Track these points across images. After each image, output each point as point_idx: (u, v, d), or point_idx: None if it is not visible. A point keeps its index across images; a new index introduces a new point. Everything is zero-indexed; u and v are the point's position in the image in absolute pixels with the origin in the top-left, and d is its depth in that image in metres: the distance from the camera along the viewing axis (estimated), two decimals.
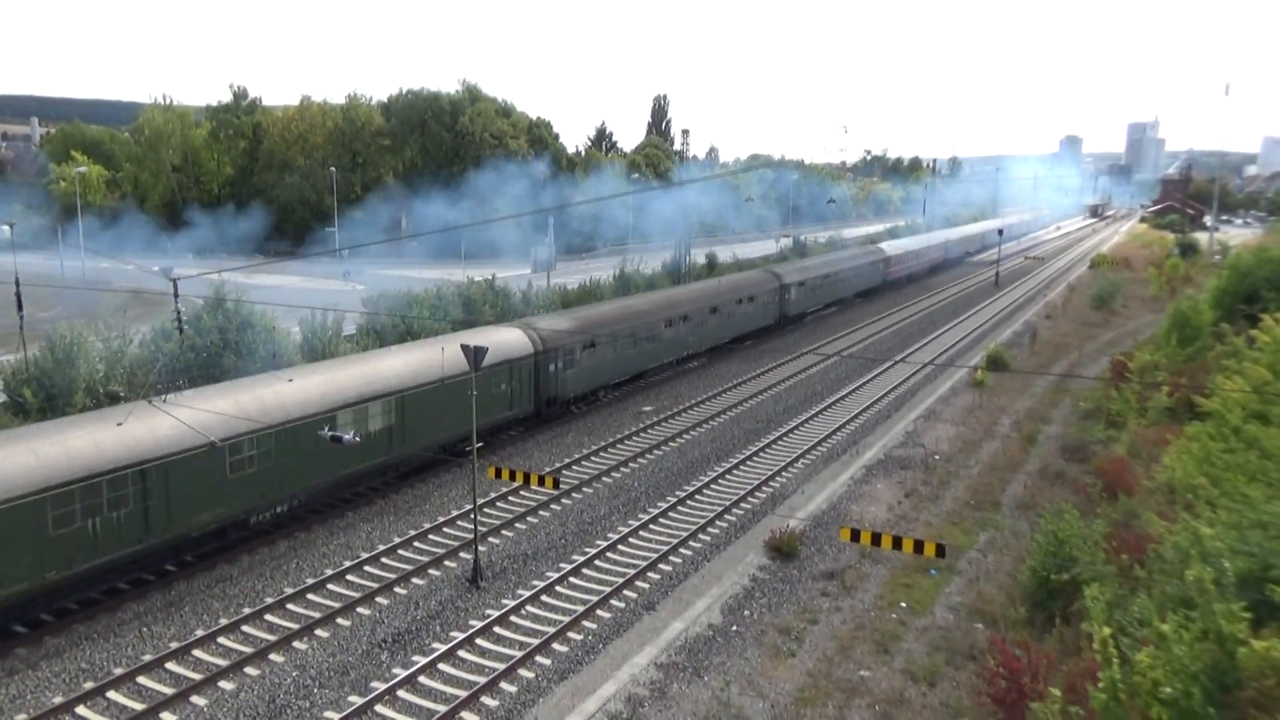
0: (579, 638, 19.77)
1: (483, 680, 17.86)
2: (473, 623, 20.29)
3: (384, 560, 23.37)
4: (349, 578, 22.34)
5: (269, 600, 20.95)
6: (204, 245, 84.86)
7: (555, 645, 19.41)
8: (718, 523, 26.20)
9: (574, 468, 30.65)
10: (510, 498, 27.78)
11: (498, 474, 23.06)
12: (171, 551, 21.88)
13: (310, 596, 21.32)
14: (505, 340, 32.60)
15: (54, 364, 29.70)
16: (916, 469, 30.86)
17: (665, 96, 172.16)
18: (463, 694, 17.45)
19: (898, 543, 18.14)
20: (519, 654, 18.81)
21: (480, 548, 23.13)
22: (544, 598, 21.53)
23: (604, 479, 29.74)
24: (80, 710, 16.76)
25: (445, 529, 25.42)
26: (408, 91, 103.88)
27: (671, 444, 33.56)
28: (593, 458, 31.69)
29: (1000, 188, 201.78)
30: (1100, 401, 36.46)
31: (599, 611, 20.88)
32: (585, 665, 18.72)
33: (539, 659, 18.89)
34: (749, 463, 31.39)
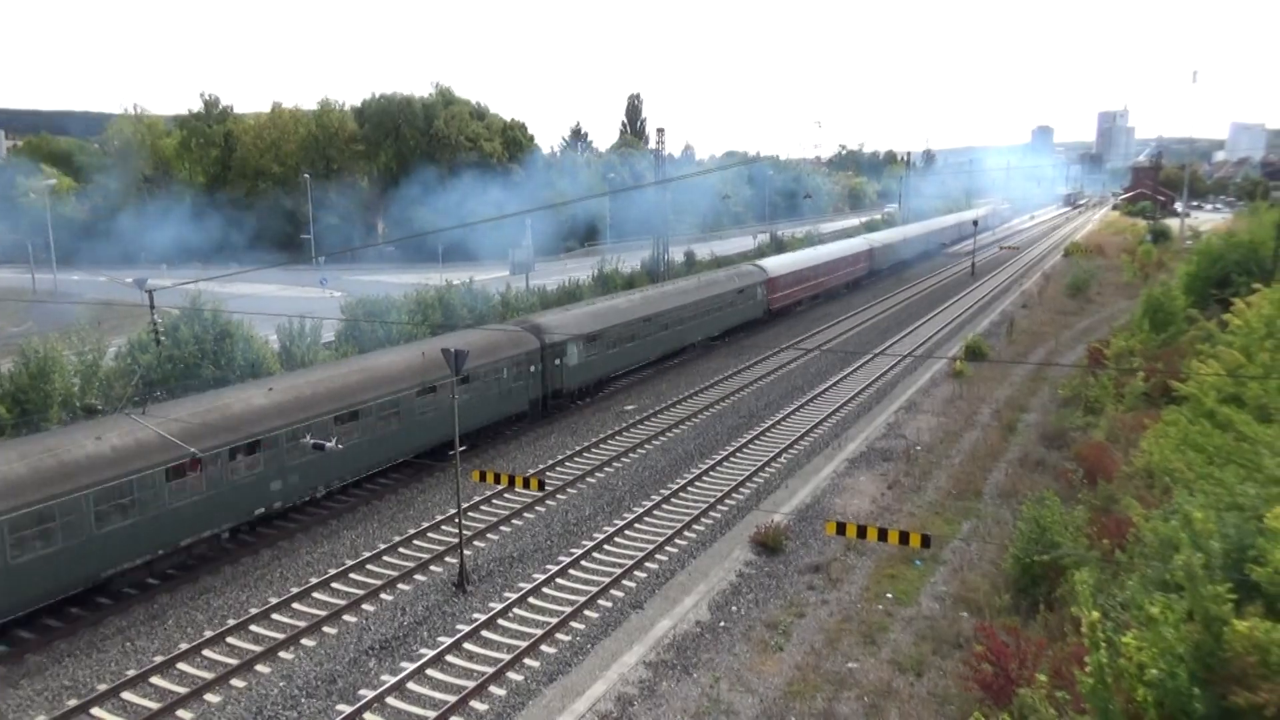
0: (567, 639, 19.74)
1: (471, 685, 17.80)
2: (460, 627, 20.22)
3: (369, 567, 23.23)
4: (334, 585, 22.20)
5: (254, 611, 20.78)
6: (176, 255, 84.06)
7: (543, 647, 19.38)
8: (703, 519, 26.24)
9: (558, 469, 30.60)
10: (495, 500, 27.69)
11: (482, 477, 23.00)
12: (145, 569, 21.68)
13: (296, 606, 21.17)
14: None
15: (28, 379, 29.31)
16: (899, 460, 31.03)
17: (639, 95, 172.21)
18: (451, 699, 17.39)
19: (883, 535, 18.25)
20: (507, 657, 18.77)
21: (466, 552, 23.05)
22: (531, 600, 21.48)
23: (588, 479, 29.71)
24: None
25: (430, 534, 25.31)
26: (380, 96, 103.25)
27: (655, 442, 33.58)
28: (576, 458, 31.65)
29: (975, 179, 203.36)
30: (1078, 388, 36.81)
31: (587, 612, 20.86)
32: (574, 666, 18.70)
33: (527, 661, 18.85)
34: (732, 459, 31.46)
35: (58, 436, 21.01)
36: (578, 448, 32.47)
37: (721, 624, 20.38)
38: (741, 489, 28.62)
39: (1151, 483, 21.65)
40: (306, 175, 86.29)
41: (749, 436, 33.74)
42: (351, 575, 22.75)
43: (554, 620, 20.26)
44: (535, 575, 22.80)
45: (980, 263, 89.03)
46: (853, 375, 43.85)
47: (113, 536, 20.13)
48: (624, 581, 22.33)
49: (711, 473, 30.05)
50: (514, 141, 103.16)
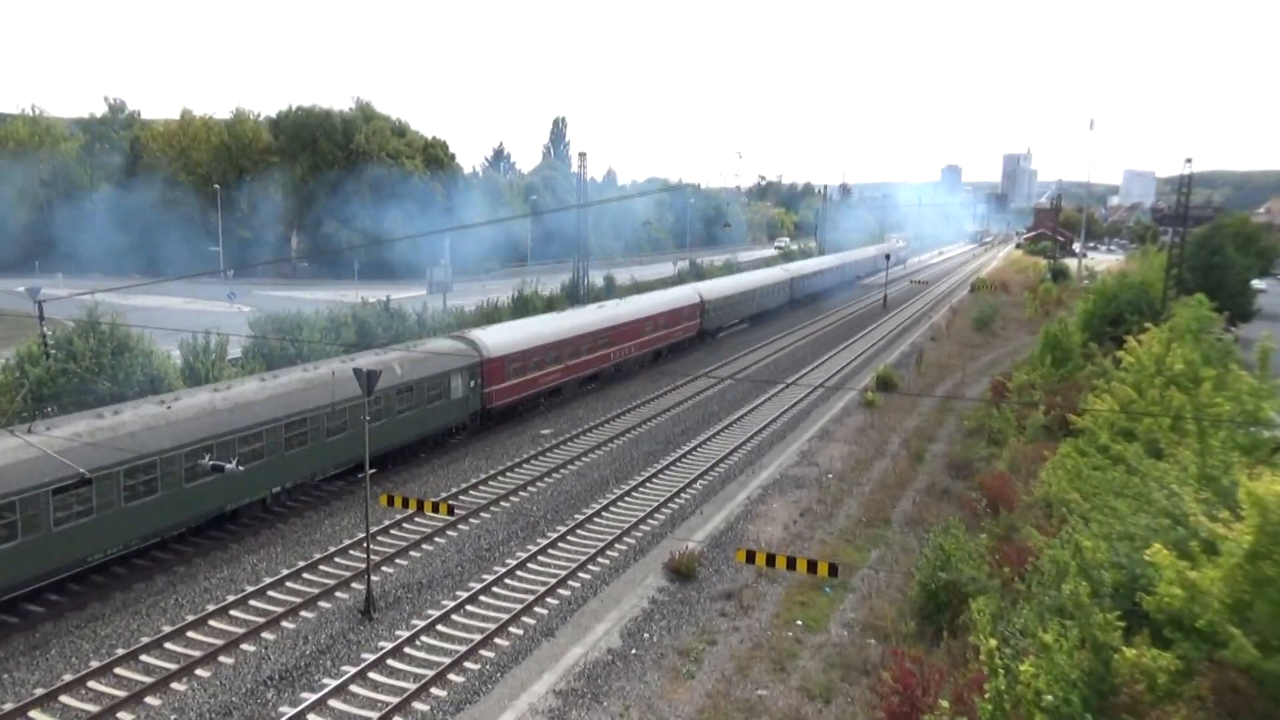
0: (476, 667, 19.37)
1: (375, 716, 17.29)
2: (365, 656, 19.64)
3: (270, 594, 22.41)
4: (233, 613, 21.34)
5: (145, 640, 19.80)
6: (73, 264, 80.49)
7: (451, 676, 18.96)
8: (617, 545, 26.14)
9: (470, 492, 30.13)
10: (404, 525, 27.09)
11: (390, 501, 22.50)
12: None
13: (190, 634, 20.26)
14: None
15: None
16: (811, 488, 31.52)
17: (564, 119, 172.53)
18: None
19: (792, 563, 18.48)
20: (414, 687, 18.30)
21: (373, 577, 22.47)
22: (439, 627, 21.02)
23: (502, 503, 29.34)
24: None
25: (337, 559, 24.58)
26: (298, 108, 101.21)
27: (570, 467, 33.39)
28: (490, 482, 31.24)
29: (887, 213, 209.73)
30: (982, 420, 38.05)
31: (497, 640, 20.52)
32: (483, 695, 18.34)
33: (434, 691, 18.41)
34: (648, 485, 31.48)
35: None
36: (492, 471, 32.06)
37: (633, 651, 20.28)
38: (656, 515, 28.63)
39: (1050, 512, 22.45)
40: (216, 185, 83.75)
41: (665, 462, 33.84)
42: (252, 602, 21.90)
43: (463, 648, 19.85)
44: (445, 602, 22.33)
45: (891, 295, 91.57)
46: (768, 403, 44.45)
47: None
48: (535, 609, 22.05)
49: (627, 498, 30.00)
50: (435, 159, 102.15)
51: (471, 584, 23.38)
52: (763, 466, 34.03)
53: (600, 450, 35.63)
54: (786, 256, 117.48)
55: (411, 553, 25.31)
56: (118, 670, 18.69)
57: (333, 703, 17.83)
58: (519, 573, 24.08)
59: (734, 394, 46.27)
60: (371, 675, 18.88)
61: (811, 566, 18.46)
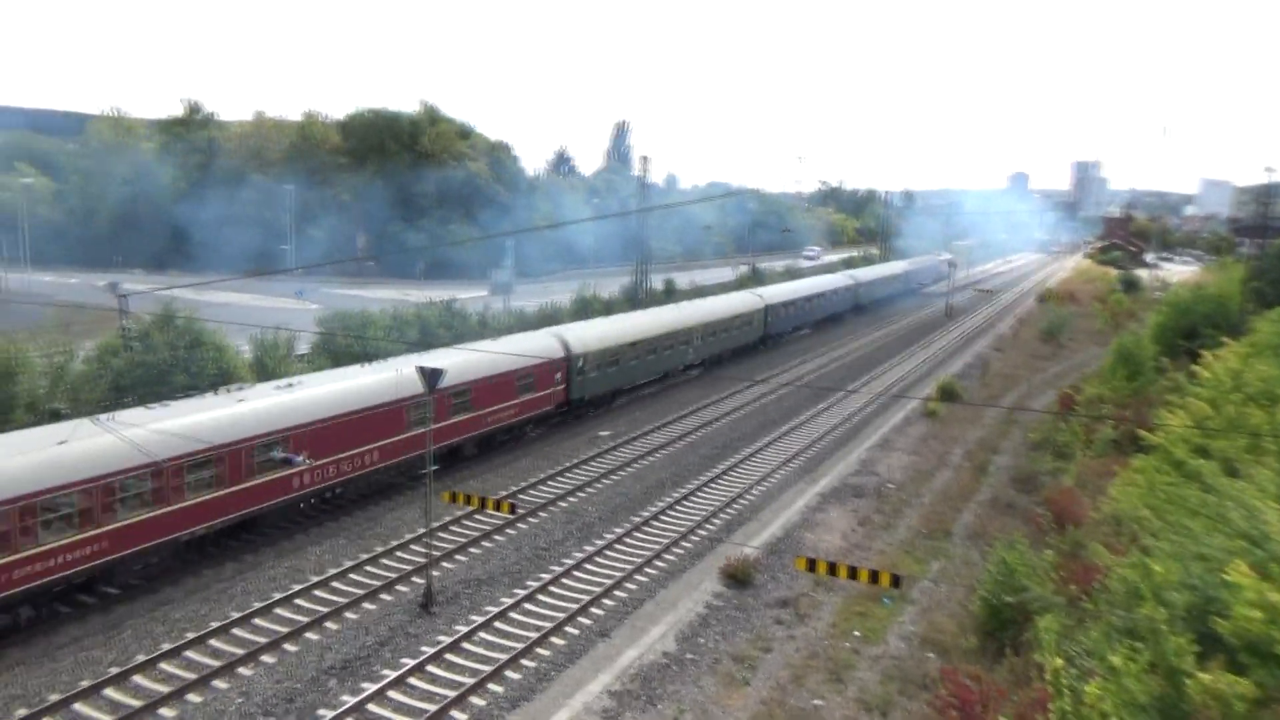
0: (532, 665, 19.55)
1: (433, 709, 17.56)
2: (424, 649, 19.97)
3: (334, 584, 22.92)
4: (297, 602, 21.87)
5: (214, 625, 20.40)
6: (152, 260, 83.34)
7: (508, 672, 19.17)
8: (673, 549, 26.15)
9: (530, 492, 30.42)
10: (465, 521, 27.47)
11: (453, 498, 22.83)
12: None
13: (257, 621, 20.83)
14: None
15: None
16: (871, 497, 31.15)
17: (626, 123, 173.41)
18: None
19: (853, 572, 18.27)
20: (471, 682, 18.54)
21: (433, 572, 22.82)
22: (497, 624, 21.27)
23: (560, 504, 29.56)
24: None
25: (398, 552, 25.03)
26: (367, 110, 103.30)
27: (628, 469, 33.50)
28: (549, 482, 31.50)
29: (952, 220, 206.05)
30: (1049, 433, 37.21)
31: (553, 638, 20.68)
32: (538, 693, 18.50)
33: (491, 686, 18.63)
34: (705, 489, 31.44)
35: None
36: (550, 471, 32.32)
37: (688, 655, 20.27)
38: (713, 520, 28.58)
39: (1119, 530, 21.89)
40: (289, 186, 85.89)
41: (723, 467, 33.75)
42: (316, 592, 22.43)
43: (520, 646, 20.05)
44: (503, 599, 22.59)
45: (955, 304, 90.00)
46: (828, 410, 44.06)
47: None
48: (592, 609, 22.18)
49: (684, 502, 30.00)
50: (499, 162, 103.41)
51: (529, 582, 23.61)
52: (822, 474, 33.74)
53: (658, 453, 35.68)
54: (847, 264, 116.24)
55: (471, 549, 25.66)
56: (188, 653, 19.29)
57: (392, 694, 18.16)
58: (576, 573, 24.24)
59: (793, 400, 45.96)
60: (430, 669, 19.18)
61: (873, 576, 18.23)
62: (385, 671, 19.02)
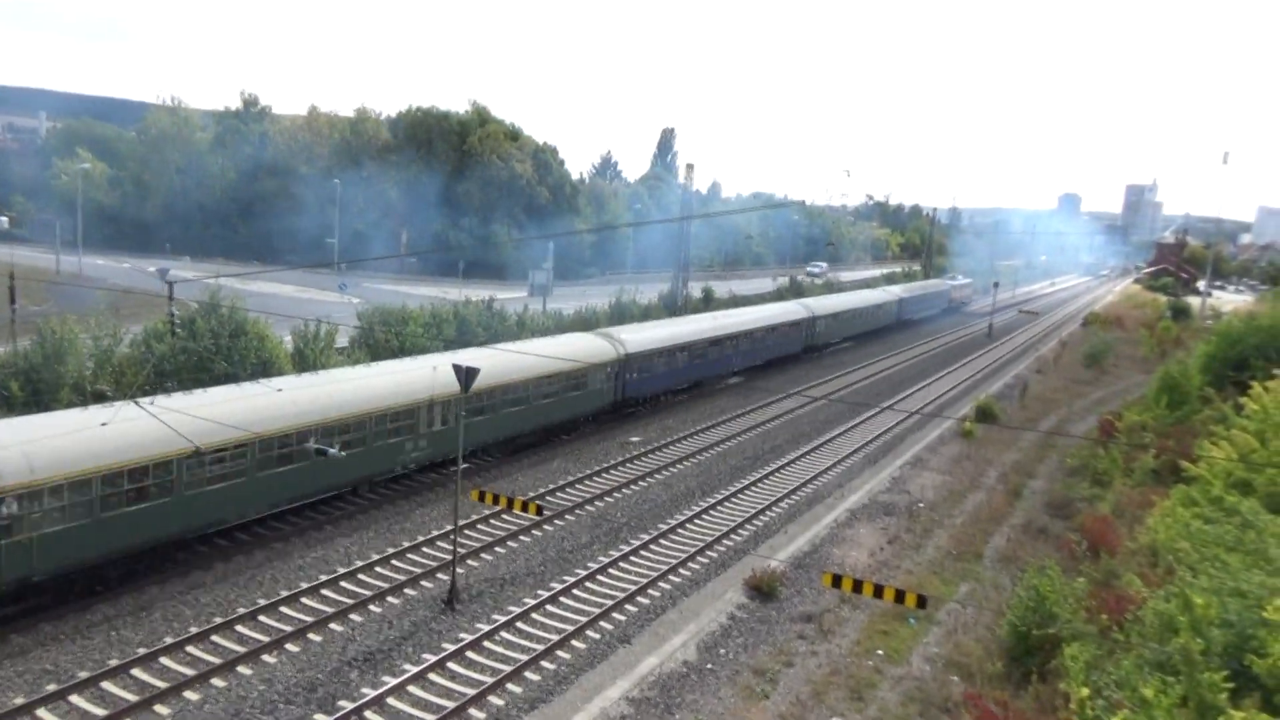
0: (552, 667, 19.56)
1: (451, 705, 17.63)
2: (445, 646, 20.06)
3: (360, 576, 23.13)
4: (324, 592, 22.10)
5: (241, 610, 20.68)
6: (200, 248, 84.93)
7: (528, 673, 19.19)
8: (699, 558, 26.04)
9: (557, 494, 30.48)
10: (492, 521, 27.58)
11: (481, 497, 22.93)
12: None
13: (283, 609, 21.07)
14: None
15: (43, 359, 29.52)
16: (900, 516, 30.78)
17: (673, 130, 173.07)
18: (431, 718, 17.21)
19: (879, 591, 18.03)
20: (490, 680, 18.58)
21: (458, 570, 22.93)
22: (519, 624, 21.32)
23: (587, 507, 29.58)
24: (41, 713, 16.47)
25: (424, 548, 25.20)
26: (417, 108, 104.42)
27: (657, 476, 33.44)
28: (577, 485, 31.54)
29: (999, 239, 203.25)
30: (1087, 459, 36.51)
31: (574, 641, 20.68)
32: (556, 695, 18.50)
33: (510, 686, 18.66)
34: (733, 499, 31.27)
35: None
36: (579, 475, 32.37)
37: (708, 666, 20.15)
38: (740, 530, 28.42)
39: (1155, 561, 21.40)
40: (337, 180, 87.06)
41: (752, 478, 33.56)
42: (342, 583, 22.64)
43: (540, 647, 20.08)
44: (526, 599, 22.64)
45: (997, 325, 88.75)
46: (861, 426, 43.65)
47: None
48: (614, 614, 22.14)
49: (711, 511, 29.87)
50: (545, 165, 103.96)
51: (553, 584, 23.64)
52: (852, 490, 33.41)
53: (688, 461, 35.58)
54: (888, 279, 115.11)
55: (496, 549, 25.76)
56: (214, 637, 19.56)
57: (412, 688, 18.26)
58: (600, 577, 24.23)
59: (827, 414, 45.60)
60: (450, 665, 19.26)
61: (899, 596, 17.98)
62: (406, 666, 19.14)
